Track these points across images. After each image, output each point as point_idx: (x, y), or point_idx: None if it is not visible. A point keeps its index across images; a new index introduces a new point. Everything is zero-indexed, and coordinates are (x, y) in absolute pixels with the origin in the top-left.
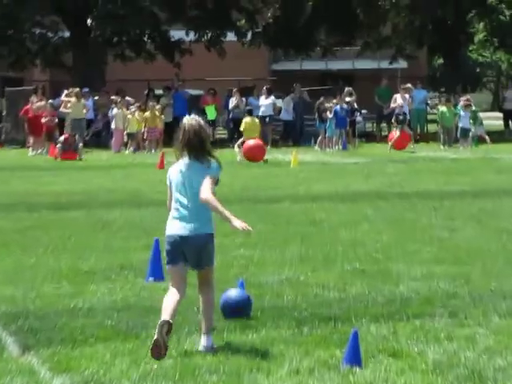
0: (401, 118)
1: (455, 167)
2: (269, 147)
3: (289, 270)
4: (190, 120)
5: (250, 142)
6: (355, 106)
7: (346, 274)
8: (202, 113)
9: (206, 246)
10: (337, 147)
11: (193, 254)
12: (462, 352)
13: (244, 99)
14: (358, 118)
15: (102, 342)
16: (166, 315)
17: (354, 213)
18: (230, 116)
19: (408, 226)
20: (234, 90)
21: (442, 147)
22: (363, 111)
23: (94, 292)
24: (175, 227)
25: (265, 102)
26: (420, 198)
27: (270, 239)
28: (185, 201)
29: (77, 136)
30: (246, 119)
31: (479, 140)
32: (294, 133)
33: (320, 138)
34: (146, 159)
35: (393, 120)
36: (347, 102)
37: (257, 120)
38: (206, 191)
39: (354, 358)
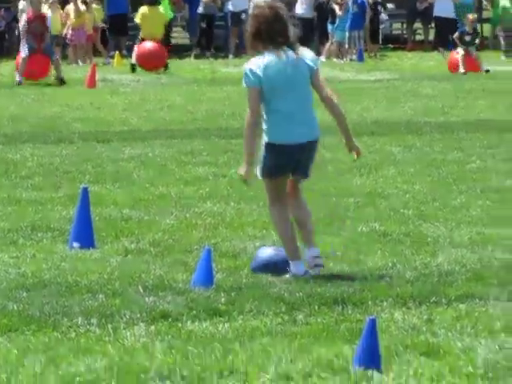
0: (467, 38)
1: None
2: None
3: (276, 233)
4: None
5: (147, 46)
6: None
7: (359, 239)
8: None
9: (316, 151)
10: (350, 57)
11: (305, 161)
12: None
13: None
14: (382, 16)
15: (5, 334)
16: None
17: (374, 151)
18: (200, 10)
19: (451, 170)
20: None
21: (503, 57)
22: (389, 6)
23: None
24: (288, 134)
25: None
26: (470, 131)
27: (250, 189)
28: (290, 104)
29: None
30: (143, 9)
31: None
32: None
33: (328, 44)
34: (69, 74)
35: (455, 37)
36: None
37: (160, 9)
38: (329, 90)
39: (371, 358)
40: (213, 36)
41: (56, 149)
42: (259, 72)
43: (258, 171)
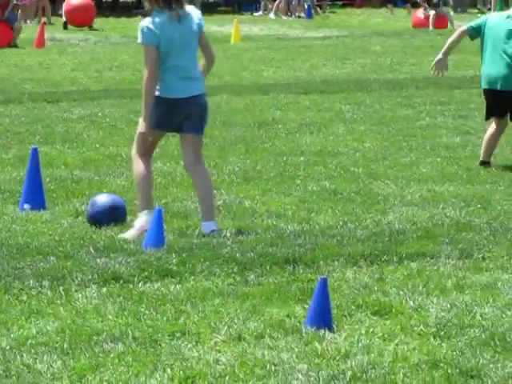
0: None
1: (471, 43)
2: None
3: (227, 193)
4: None
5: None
6: None
7: (310, 198)
8: None
9: (207, 106)
10: (298, 14)
11: (198, 115)
12: (478, 307)
13: None
14: None
15: None
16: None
17: (323, 109)
18: None
19: (401, 127)
20: None
21: (452, 13)
22: None
23: None
24: (184, 89)
25: None
26: (419, 88)
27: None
28: (184, 60)
29: None
30: None
31: None
32: None
33: (277, 1)
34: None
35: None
36: None
37: None
38: (212, 51)
39: (322, 318)
40: None
41: (5, 109)
42: (156, 30)
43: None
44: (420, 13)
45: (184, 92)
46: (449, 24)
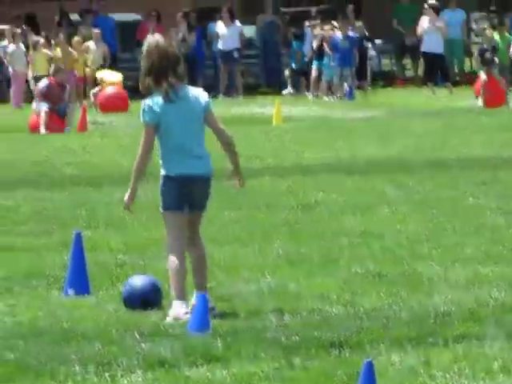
0: (488, 56)
1: None
2: (240, 97)
3: (272, 276)
4: (155, 39)
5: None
6: (365, 33)
7: (354, 280)
8: (139, 47)
9: (210, 186)
10: (339, 95)
11: (199, 194)
12: None
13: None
14: (371, 52)
15: None
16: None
17: (366, 191)
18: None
19: (445, 208)
20: (179, 14)
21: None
22: (377, 41)
23: None
24: (182, 166)
25: (225, 31)
26: (463, 169)
27: (244, 231)
28: (186, 140)
29: None
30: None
31: None
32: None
33: (313, 80)
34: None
35: (475, 56)
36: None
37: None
38: (225, 132)
39: None
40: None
41: (48, 194)
42: (156, 109)
43: (160, 207)
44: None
45: (186, 170)
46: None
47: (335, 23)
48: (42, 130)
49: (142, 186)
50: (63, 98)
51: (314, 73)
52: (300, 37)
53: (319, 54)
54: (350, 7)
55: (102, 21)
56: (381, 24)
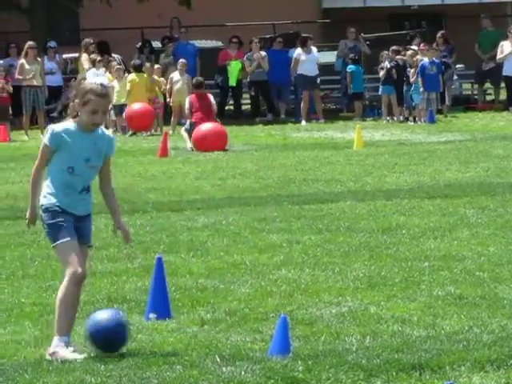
0: None
1: None
2: (322, 121)
3: (352, 299)
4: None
5: (203, 128)
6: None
7: (435, 303)
8: (222, 74)
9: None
10: (424, 119)
11: (86, 229)
12: None
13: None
14: (453, 77)
15: None
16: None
17: (447, 214)
18: (248, 79)
19: None
20: (255, 39)
21: None
22: (458, 66)
23: None
24: (72, 204)
25: (303, 58)
26: None
27: (325, 254)
28: (82, 177)
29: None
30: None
31: None
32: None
33: (383, 106)
34: (140, 143)
35: None
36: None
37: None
38: (111, 182)
39: None
40: (268, 101)
41: (130, 219)
42: (64, 135)
43: (49, 239)
44: None
45: (73, 208)
46: None
47: (414, 48)
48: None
49: (223, 210)
50: None
51: (387, 98)
52: (357, 61)
53: (391, 79)
54: (440, 33)
55: (183, 48)
56: (462, 49)
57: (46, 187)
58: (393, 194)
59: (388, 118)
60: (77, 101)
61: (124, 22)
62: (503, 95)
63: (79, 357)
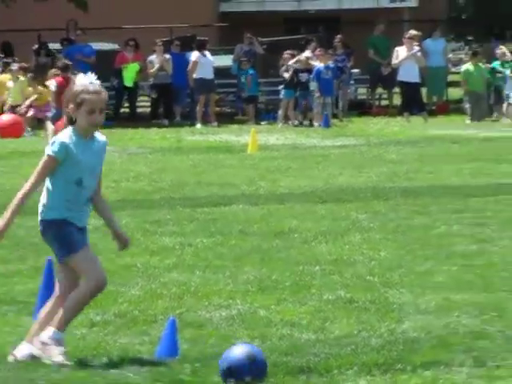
0: None
1: (487, 150)
2: (215, 124)
3: (242, 302)
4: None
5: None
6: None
7: (325, 307)
8: (117, 76)
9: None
10: (317, 123)
11: None
12: None
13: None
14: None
15: None
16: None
17: (340, 218)
18: (151, 81)
19: (417, 235)
20: (158, 42)
21: (468, 121)
22: (354, 71)
23: None
24: (76, 217)
25: (202, 61)
26: (435, 196)
27: (216, 257)
28: (88, 188)
29: None
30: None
31: None
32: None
33: (281, 110)
34: (35, 146)
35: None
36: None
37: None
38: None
39: None
40: (167, 105)
41: (21, 220)
42: (70, 145)
43: (62, 252)
44: None
45: (78, 220)
46: None
47: (307, 54)
48: None
49: (115, 213)
50: None
51: (287, 103)
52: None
53: (293, 83)
54: (338, 37)
55: (78, 49)
56: (358, 54)
57: (49, 200)
58: (286, 197)
59: (283, 121)
60: (71, 106)
61: (21, 23)
62: (398, 100)
63: (65, 362)
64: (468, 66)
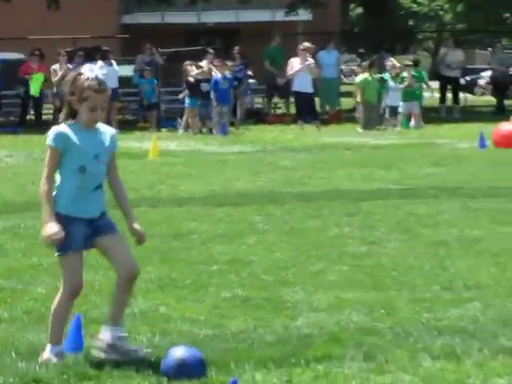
0: None
1: (377, 157)
2: (117, 131)
3: (144, 300)
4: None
5: None
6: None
7: (222, 304)
8: (23, 85)
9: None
10: (215, 131)
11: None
12: None
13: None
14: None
15: None
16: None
17: (236, 221)
18: (55, 90)
19: (310, 238)
20: (62, 52)
21: (360, 130)
22: (250, 81)
23: None
24: (84, 207)
25: (105, 71)
26: (328, 200)
27: None
28: (94, 175)
29: None
30: None
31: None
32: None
33: (185, 118)
34: None
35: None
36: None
37: None
38: (118, 175)
39: None
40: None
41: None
42: (69, 134)
43: (56, 247)
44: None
45: (85, 212)
46: None
47: (204, 64)
48: None
49: (21, 215)
50: None
51: (190, 111)
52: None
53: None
54: (236, 49)
55: None
56: (255, 65)
57: (58, 191)
58: (185, 201)
59: (185, 129)
60: (74, 97)
61: None
62: (294, 109)
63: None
64: (366, 76)
